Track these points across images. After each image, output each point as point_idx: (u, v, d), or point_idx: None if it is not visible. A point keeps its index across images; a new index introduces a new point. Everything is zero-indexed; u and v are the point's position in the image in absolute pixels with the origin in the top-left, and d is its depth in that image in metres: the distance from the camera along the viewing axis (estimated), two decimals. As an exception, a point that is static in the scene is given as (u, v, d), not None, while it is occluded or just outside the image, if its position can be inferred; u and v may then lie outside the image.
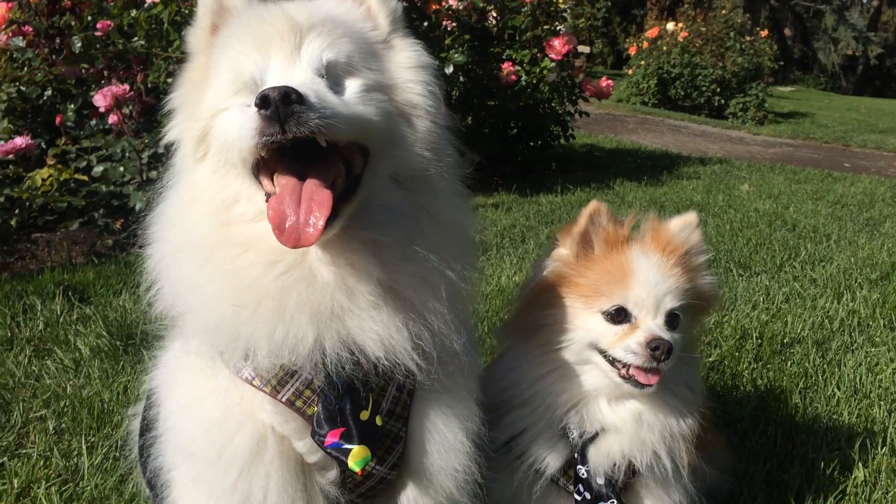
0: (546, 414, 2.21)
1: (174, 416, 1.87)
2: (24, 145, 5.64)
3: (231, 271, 1.67)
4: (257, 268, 1.65)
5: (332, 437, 1.74)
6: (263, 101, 1.48)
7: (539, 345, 2.24)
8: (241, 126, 1.57)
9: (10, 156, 5.66)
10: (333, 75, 1.68)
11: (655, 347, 2.02)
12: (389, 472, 1.88)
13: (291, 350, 1.64)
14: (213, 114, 1.72)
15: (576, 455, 2.18)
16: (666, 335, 2.05)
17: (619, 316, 2.12)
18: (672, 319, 2.11)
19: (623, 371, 2.08)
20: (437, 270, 1.72)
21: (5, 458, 2.86)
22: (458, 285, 1.77)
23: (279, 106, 1.47)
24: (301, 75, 1.64)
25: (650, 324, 2.09)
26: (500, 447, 2.23)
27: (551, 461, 2.20)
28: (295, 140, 1.52)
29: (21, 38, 6.66)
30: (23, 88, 6.45)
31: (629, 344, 2.06)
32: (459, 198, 1.85)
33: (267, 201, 1.63)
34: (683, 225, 2.26)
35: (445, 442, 1.89)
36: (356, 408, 1.76)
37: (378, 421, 1.80)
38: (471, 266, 1.84)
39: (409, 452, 1.90)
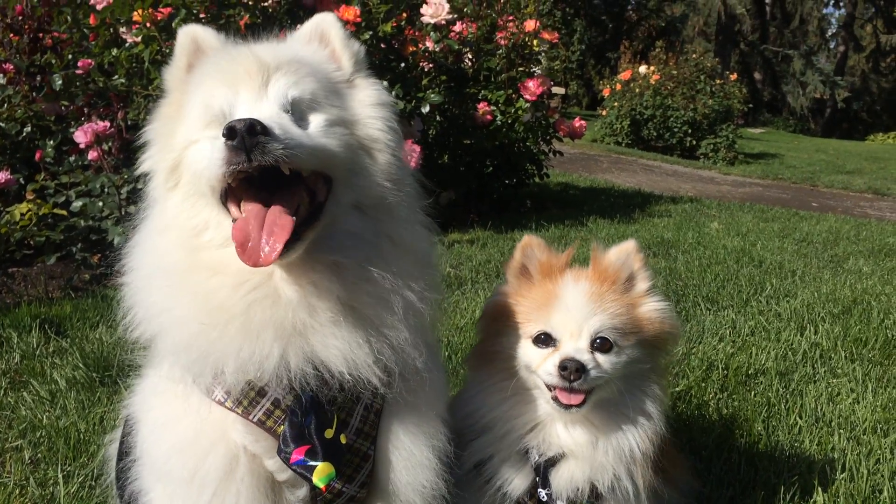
0: (507, 438, 2.30)
1: (149, 438, 1.93)
2: (3, 180, 5.70)
3: (200, 294, 1.75)
4: (225, 290, 1.74)
5: (297, 455, 1.81)
6: (230, 132, 1.58)
7: (496, 372, 2.35)
8: (209, 156, 1.67)
9: (-11, 191, 5.71)
10: (298, 111, 1.80)
11: (564, 367, 2.10)
12: (359, 491, 1.95)
13: (258, 366, 1.71)
14: (184, 146, 1.82)
15: (537, 478, 2.26)
16: (583, 356, 2.13)
17: (545, 340, 2.22)
18: (601, 343, 2.18)
19: (552, 393, 2.17)
20: (396, 291, 1.81)
21: (-19, 488, 2.88)
22: (417, 305, 1.86)
23: (245, 136, 1.57)
24: (267, 110, 1.75)
25: (568, 345, 2.17)
26: (469, 470, 2.31)
27: (516, 485, 2.28)
28: (262, 169, 1.63)
29: (2, 75, 6.74)
30: (2, 125, 6.53)
31: (546, 366, 2.16)
32: (420, 225, 1.95)
33: None
34: (621, 253, 2.32)
35: (413, 459, 1.96)
36: (321, 425, 1.83)
37: (342, 439, 1.87)
38: (431, 288, 1.92)
39: (378, 470, 1.97)
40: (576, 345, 2.17)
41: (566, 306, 2.21)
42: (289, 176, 1.68)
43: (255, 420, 1.83)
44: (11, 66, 6.75)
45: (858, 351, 4.76)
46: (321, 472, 1.81)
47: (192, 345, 1.74)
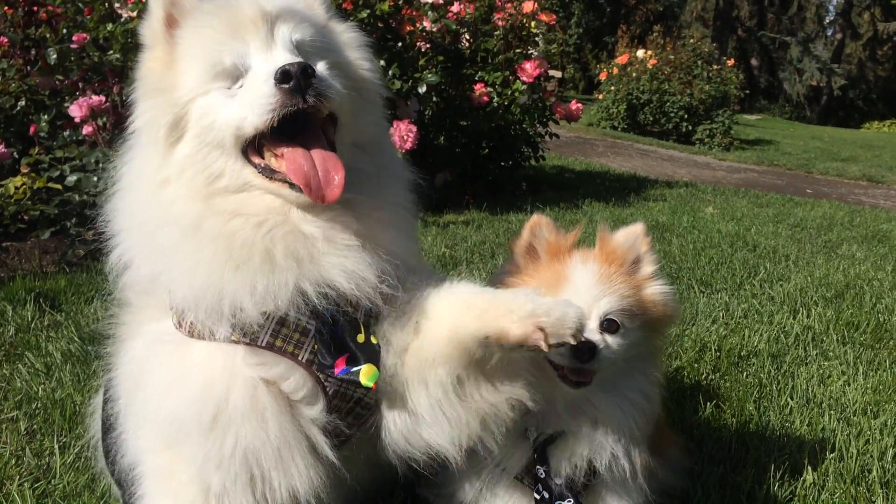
0: None
1: (155, 400, 1.89)
2: (-3, 153, 5.66)
3: (222, 236, 1.79)
4: (247, 229, 1.80)
5: (340, 365, 1.86)
6: (285, 76, 1.69)
7: None
8: (251, 103, 1.75)
9: (-17, 164, 5.68)
10: (303, 54, 1.85)
11: (577, 349, 2.10)
12: (366, 393, 1.94)
13: (273, 297, 1.77)
14: (189, 99, 1.84)
15: (535, 456, 2.28)
16: (594, 337, 2.15)
17: None
18: (609, 325, 2.20)
19: (561, 372, 2.19)
20: (398, 214, 1.96)
21: (-24, 457, 2.89)
22: (412, 222, 2.06)
23: (300, 78, 1.69)
24: (280, 57, 1.81)
25: None
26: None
27: (514, 461, 2.31)
28: (298, 112, 1.73)
29: (-4, 48, 6.68)
30: (-4, 98, 6.47)
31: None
32: (401, 157, 2.12)
33: (261, 172, 1.82)
34: (629, 235, 2.35)
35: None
36: (352, 332, 1.89)
37: (373, 339, 1.92)
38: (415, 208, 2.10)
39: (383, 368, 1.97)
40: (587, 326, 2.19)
41: (576, 287, 2.22)
42: (306, 120, 1.79)
43: (263, 344, 1.85)
44: (6, 40, 6.68)
45: (850, 334, 4.80)
46: (366, 374, 1.86)
47: (209, 287, 1.78)
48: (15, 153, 6.17)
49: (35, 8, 6.85)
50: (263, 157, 1.83)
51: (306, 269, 1.80)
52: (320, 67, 1.85)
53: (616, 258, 2.30)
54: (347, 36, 2.05)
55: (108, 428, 2.25)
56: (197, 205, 1.83)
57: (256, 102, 1.72)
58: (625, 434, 2.24)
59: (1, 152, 5.72)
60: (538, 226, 2.37)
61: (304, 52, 1.86)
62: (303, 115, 1.77)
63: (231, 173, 1.84)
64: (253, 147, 1.81)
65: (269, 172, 1.82)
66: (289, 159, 1.78)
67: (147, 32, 1.96)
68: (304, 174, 1.76)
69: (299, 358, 1.87)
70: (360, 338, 1.89)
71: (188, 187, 1.85)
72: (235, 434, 1.81)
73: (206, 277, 1.77)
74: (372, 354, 1.89)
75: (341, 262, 1.82)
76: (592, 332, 2.17)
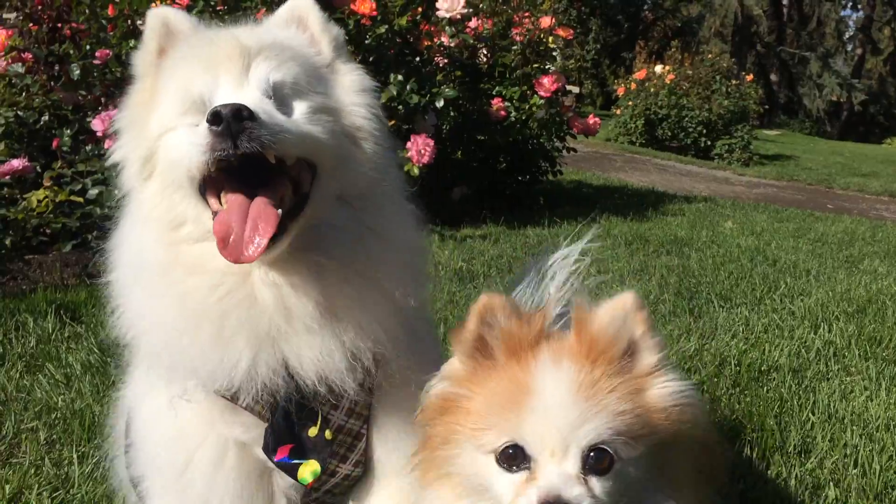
0: None
1: (142, 431, 1.93)
2: (20, 167, 5.74)
3: (177, 295, 1.70)
4: (202, 291, 1.69)
5: (280, 454, 1.79)
6: (215, 118, 1.53)
7: (454, 489, 1.61)
8: (190, 143, 1.61)
9: (7, 178, 5.76)
10: (280, 96, 1.74)
11: None
12: (353, 469, 1.92)
13: (227, 374, 1.67)
14: (159, 134, 1.76)
15: None
16: (572, 491, 1.41)
17: (515, 458, 1.48)
18: (597, 459, 1.45)
19: None
20: (378, 288, 1.77)
21: (-4, 467, 2.91)
22: (401, 300, 1.81)
23: (230, 122, 1.52)
24: (249, 96, 1.69)
25: (550, 472, 1.45)
26: None
27: None
28: (244, 157, 1.57)
29: (20, 64, 6.78)
30: (20, 113, 6.56)
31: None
32: (407, 215, 1.91)
33: (213, 218, 1.67)
34: (616, 312, 1.56)
35: (408, 437, 1.87)
36: (304, 424, 1.80)
37: (328, 435, 1.83)
38: (418, 278, 1.89)
39: (372, 449, 1.94)
40: (560, 468, 1.45)
41: (543, 406, 1.47)
42: (272, 165, 1.63)
43: (244, 405, 1.79)
44: (30, 56, 6.79)
45: (872, 349, 4.74)
46: (305, 470, 1.80)
47: (165, 351, 1.72)
48: (38, 167, 6.25)
49: (59, 24, 6.96)
50: (221, 202, 1.67)
51: (265, 348, 1.67)
52: (300, 109, 1.73)
53: (601, 351, 1.54)
54: (349, 79, 1.89)
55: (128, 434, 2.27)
56: (163, 252, 1.74)
57: (195, 142, 1.59)
58: None
59: (24, 166, 5.79)
60: (490, 310, 1.58)
61: (283, 93, 1.72)
62: (262, 160, 1.60)
63: (193, 219, 1.73)
64: (213, 190, 1.68)
65: None
66: (226, 209, 1.63)
67: (139, 63, 1.88)
68: (226, 228, 1.59)
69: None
70: (312, 431, 1.81)
71: (157, 230, 1.76)
72: (200, 487, 1.79)
73: (166, 339, 1.70)
74: (319, 450, 1.82)
75: (304, 352, 1.68)
76: (570, 483, 1.42)
